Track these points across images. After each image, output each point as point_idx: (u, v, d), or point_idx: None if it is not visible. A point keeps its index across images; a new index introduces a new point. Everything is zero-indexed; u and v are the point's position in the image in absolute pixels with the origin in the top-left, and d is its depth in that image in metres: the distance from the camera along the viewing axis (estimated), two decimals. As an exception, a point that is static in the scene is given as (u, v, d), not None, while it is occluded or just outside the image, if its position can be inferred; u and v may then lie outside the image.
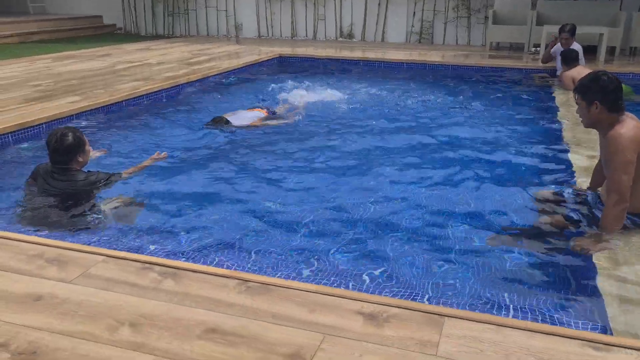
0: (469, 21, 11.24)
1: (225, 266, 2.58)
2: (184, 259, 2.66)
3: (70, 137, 3.30)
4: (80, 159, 3.40)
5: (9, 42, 11.24)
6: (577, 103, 2.82)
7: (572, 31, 7.39)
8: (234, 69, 8.17)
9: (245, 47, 10.63)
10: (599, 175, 3.07)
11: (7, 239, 2.70)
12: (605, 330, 2.08)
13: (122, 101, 5.89)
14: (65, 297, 2.20)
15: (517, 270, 2.59)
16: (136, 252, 2.66)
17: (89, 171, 3.48)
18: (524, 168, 4.10)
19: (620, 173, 2.61)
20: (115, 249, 2.72)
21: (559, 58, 7.42)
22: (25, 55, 9.23)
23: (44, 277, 2.36)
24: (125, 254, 2.58)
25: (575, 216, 2.94)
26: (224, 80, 7.66)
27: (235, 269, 2.53)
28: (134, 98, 6.07)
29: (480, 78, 7.93)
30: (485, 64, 8.62)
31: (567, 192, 3.25)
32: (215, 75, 7.64)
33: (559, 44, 7.47)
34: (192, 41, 11.74)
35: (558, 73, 7.33)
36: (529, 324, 2.02)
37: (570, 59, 6.93)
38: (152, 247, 2.79)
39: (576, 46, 7.30)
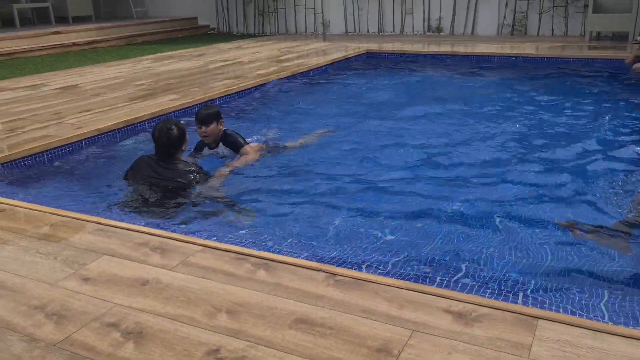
0: (567, 10, 10.65)
1: (314, 259, 2.65)
2: (276, 251, 2.76)
3: (175, 130, 3.55)
4: (184, 148, 3.68)
5: (116, 44, 12.10)
6: None
7: None
8: (323, 66, 8.29)
9: (332, 44, 10.74)
10: None
11: (116, 227, 2.94)
12: None
13: (216, 98, 6.17)
14: (168, 283, 2.37)
15: (618, 274, 2.46)
16: (231, 244, 2.80)
17: (191, 163, 3.72)
18: (623, 163, 3.86)
19: None
20: (212, 239, 2.88)
21: None
22: (129, 56, 9.90)
23: (148, 264, 2.54)
24: (221, 245, 2.72)
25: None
26: (311, 77, 7.79)
27: (324, 262, 2.59)
28: (227, 95, 6.34)
29: (578, 71, 7.49)
30: (586, 55, 8.14)
31: None
32: (303, 72, 7.80)
33: None
34: (281, 39, 12.03)
35: None
36: (631, 331, 1.92)
37: None
38: (246, 239, 2.92)
39: None
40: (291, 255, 2.66)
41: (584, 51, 8.63)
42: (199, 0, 14.44)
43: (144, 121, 5.26)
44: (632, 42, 9.13)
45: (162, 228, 3.02)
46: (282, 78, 7.31)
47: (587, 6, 9.85)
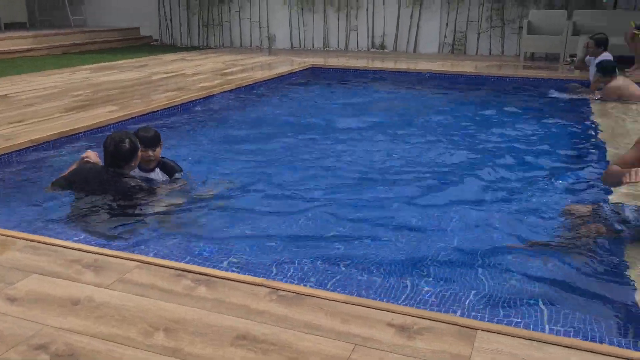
0: (503, 31, 11.13)
1: (256, 274, 2.60)
2: (217, 266, 2.69)
3: (127, 144, 3.41)
4: (133, 164, 3.53)
5: (52, 53, 11.64)
6: None
7: (597, 41, 7.25)
8: (267, 80, 8.27)
9: (277, 58, 10.76)
10: None
11: (47, 244, 2.79)
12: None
13: (158, 111, 6.02)
14: (102, 302, 2.26)
15: (553, 284, 2.54)
16: (170, 259, 2.71)
17: (137, 178, 3.58)
18: (559, 181, 4.01)
19: None
20: (150, 255, 2.78)
21: (592, 68, 7.30)
22: (67, 66, 9.54)
23: (81, 282, 2.42)
24: (160, 261, 2.63)
25: (617, 227, 2.86)
26: (254, 91, 7.75)
27: (265, 278, 2.55)
28: (169, 108, 6.21)
29: (514, 89, 7.81)
30: (520, 75, 8.51)
31: (604, 206, 3.17)
32: (248, 85, 7.75)
33: (590, 57, 7.36)
34: (225, 52, 11.94)
35: (593, 81, 7.17)
36: (567, 340, 1.97)
37: (607, 69, 6.77)
38: (185, 255, 2.83)
39: (607, 55, 7.16)
40: (232, 271, 2.61)
41: (519, 70, 9.03)
42: (141, 10, 14.13)
43: (81, 133, 5.06)
44: (563, 62, 9.63)
45: (97, 244, 2.89)
46: (226, 91, 7.24)
47: (522, 28, 10.33)
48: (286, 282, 2.52)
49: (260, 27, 13.10)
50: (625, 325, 2.20)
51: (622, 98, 6.53)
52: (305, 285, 2.49)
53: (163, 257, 2.74)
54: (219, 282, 2.43)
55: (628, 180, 2.58)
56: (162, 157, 3.82)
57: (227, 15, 13.30)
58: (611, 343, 2.05)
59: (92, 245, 2.85)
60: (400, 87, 8.33)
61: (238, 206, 3.56)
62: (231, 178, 4.10)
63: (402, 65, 9.55)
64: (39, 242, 2.81)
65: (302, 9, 12.58)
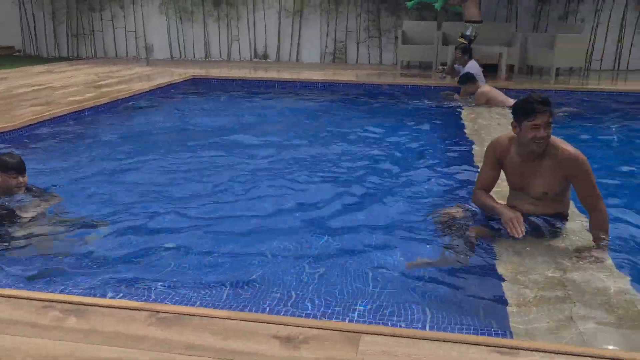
0: (380, 41, 11.63)
1: (133, 298, 2.45)
2: (88, 294, 2.50)
3: None
4: None
5: None
6: (547, 123, 2.81)
7: (463, 50, 7.87)
8: (146, 92, 7.93)
9: (156, 69, 10.37)
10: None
11: None
12: (509, 335, 2.17)
13: (22, 128, 5.53)
14: (-49, 345, 2.00)
15: (430, 284, 2.65)
16: (34, 290, 2.47)
17: None
18: (431, 184, 4.21)
19: (595, 183, 2.85)
20: (11, 287, 2.51)
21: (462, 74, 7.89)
22: None
23: None
24: (21, 292, 2.38)
25: (495, 225, 3.03)
26: (132, 103, 7.39)
27: (144, 301, 2.40)
28: (35, 124, 5.72)
29: (392, 96, 8.16)
30: (398, 82, 8.93)
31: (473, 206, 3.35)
32: (125, 98, 7.37)
33: (459, 65, 7.93)
34: (99, 63, 11.31)
35: (463, 88, 7.75)
36: (440, 334, 2.07)
37: (468, 79, 7.37)
38: (52, 284, 2.59)
39: (472, 64, 7.76)
40: (106, 297, 2.43)
41: (397, 78, 9.48)
42: (1, 18, 12.96)
43: None
44: (436, 70, 10.26)
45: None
46: (100, 105, 6.82)
47: (397, 38, 10.86)
48: (166, 303, 2.39)
49: (136, 37, 12.57)
50: (494, 316, 2.34)
51: (489, 103, 7.12)
52: (186, 305, 2.38)
53: (26, 289, 2.49)
54: (92, 310, 2.25)
55: (510, 234, 2.81)
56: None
57: (99, 24, 12.60)
58: (478, 333, 2.18)
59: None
60: (283, 96, 8.39)
61: (110, 228, 3.33)
62: (105, 198, 3.85)
63: (285, 75, 9.62)
64: None
65: (180, 18, 12.26)
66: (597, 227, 2.88)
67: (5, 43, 13.13)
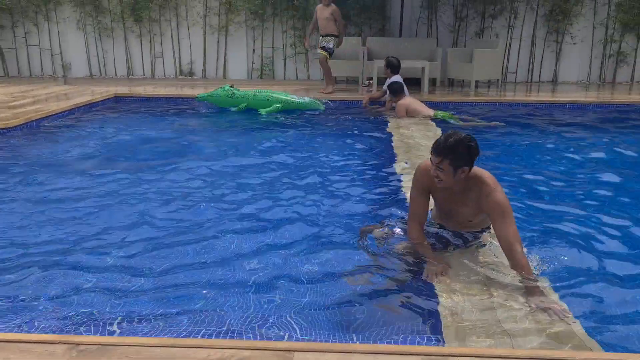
0: (307, 57, 11.74)
1: (50, 331, 2.29)
2: (2, 329, 2.31)
3: None
4: None
5: None
6: (437, 165, 2.78)
7: (387, 64, 8.12)
8: (64, 111, 7.56)
9: (75, 88, 9.93)
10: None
11: None
12: (442, 342, 2.20)
13: None
14: None
15: (360, 297, 2.65)
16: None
17: None
18: (356, 200, 4.22)
19: (514, 223, 2.76)
20: None
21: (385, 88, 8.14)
22: None
23: None
24: None
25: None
26: (46, 124, 7.00)
27: (63, 333, 2.25)
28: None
29: (319, 111, 8.21)
30: (323, 97, 9.00)
31: (396, 222, 3.35)
32: (41, 119, 6.99)
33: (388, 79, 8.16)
34: (12, 82, 10.70)
35: (387, 101, 7.95)
36: (373, 346, 2.06)
37: (395, 90, 7.62)
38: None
39: (398, 78, 8.01)
40: (19, 331, 2.26)
41: (324, 94, 9.55)
42: None
43: None
44: (362, 85, 10.47)
45: None
46: (13, 127, 6.43)
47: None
48: (87, 334, 2.25)
49: (52, 55, 12.02)
50: (425, 326, 2.37)
51: (410, 114, 7.35)
52: (110, 335, 2.25)
53: None
54: (7, 347, 2.08)
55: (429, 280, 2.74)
56: None
57: (12, 41, 11.95)
58: (411, 343, 2.20)
59: None
60: (212, 113, 8.25)
61: (18, 256, 3.10)
62: (13, 224, 3.60)
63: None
64: None
65: (100, 34, 11.85)
66: (516, 269, 2.72)
67: None
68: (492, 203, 2.78)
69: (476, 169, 2.88)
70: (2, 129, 6.26)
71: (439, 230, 3.15)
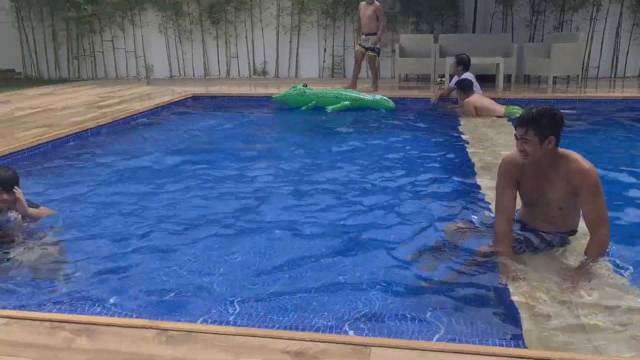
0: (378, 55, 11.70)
1: (143, 316, 2.45)
2: (98, 313, 2.50)
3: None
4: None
5: None
6: (522, 137, 2.74)
7: (458, 61, 7.96)
8: (147, 111, 7.98)
9: (156, 88, 10.44)
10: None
11: None
12: (521, 345, 2.17)
13: (24, 150, 5.56)
14: (-38, 369, 2.00)
15: (440, 296, 2.65)
16: (43, 311, 2.47)
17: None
18: (434, 199, 4.18)
19: (604, 204, 2.72)
20: (20, 309, 2.52)
21: (452, 85, 8.00)
22: None
23: (-64, 348, 2.13)
24: (31, 314, 2.39)
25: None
26: (134, 123, 7.44)
27: (154, 319, 2.40)
28: (37, 146, 5.75)
29: (389, 109, 8.18)
30: (397, 95, 8.96)
31: (478, 221, 3.31)
32: (126, 117, 7.42)
33: (456, 76, 8.02)
34: (100, 84, 11.39)
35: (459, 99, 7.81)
36: (451, 345, 2.06)
37: (465, 87, 7.47)
38: (61, 304, 2.59)
39: (468, 75, 7.84)
40: (116, 316, 2.43)
41: (396, 91, 9.52)
42: (1, 42, 13.07)
43: None
44: (434, 82, 10.33)
45: (-46, 302, 2.57)
46: (101, 125, 6.86)
47: (395, 51, 10.95)
48: (175, 320, 2.39)
49: (136, 57, 12.68)
50: (506, 327, 2.34)
51: (478, 112, 7.20)
52: (195, 322, 2.38)
53: (35, 310, 2.50)
54: (102, 330, 2.25)
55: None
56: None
57: (100, 45, 12.72)
58: (490, 344, 2.18)
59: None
60: (283, 111, 8.43)
61: (115, 247, 3.33)
62: (107, 217, 3.86)
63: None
64: None
65: (179, 37, 12.38)
66: (592, 251, 2.72)
67: (6, 66, 13.25)
68: (583, 180, 2.69)
69: (565, 150, 2.81)
70: (93, 127, 6.69)
71: (522, 232, 3.06)
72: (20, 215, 3.43)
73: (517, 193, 2.98)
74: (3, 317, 2.35)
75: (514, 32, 11.08)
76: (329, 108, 7.99)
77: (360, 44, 9.30)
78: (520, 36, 11.04)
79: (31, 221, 3.54)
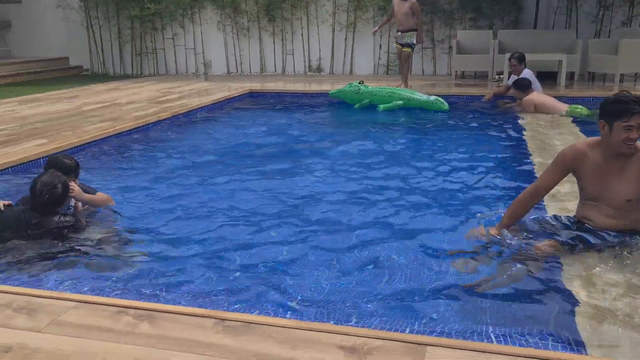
0: (434, 51, 11.54)
1: (202, 306, 2.52)
2: (159, 300, 2.59)
3: (59, 188, 3.27)
4: (65, 202, 3.40)
5: (-27, 86, 11.08)
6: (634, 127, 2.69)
7: (518, 58, 7.74)
8: (205, 106, 8.19)
9: (214, 84, 10.68)
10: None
11: (-28, 289, 2.61)
12: (583, 351, 2.10)
13: (91, 142, 5.82)
14: (36, 347, 2.12)
15: (496, 297, 2.60)
16: (109, 296, 2.59)
17: (68, 214, 3.43)
18: (495, 197, 4.12)
19: None
20: (87, 293, 2.65)
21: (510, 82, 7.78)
22: (-10, 99, 9.09)
23: (12, 327, 2.27)
24: (98, 298, 2.51)
25: (563, 239, 2.93)
26: (192, 118, 7.65)
27: (212, 309, 2.47)
28: (103, 139, 6.01)
29: (443, 111, 8.05)
30: (452, 92, 8.82)
31: (543, 218, 3.24)
32: (185, 112, 7.64)
33: (514, 75, 7.80)
34: (161, 80, 11.76)
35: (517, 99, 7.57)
36: (511, 348, 2.02)
37: (523, 86, 7.26)
38: (125, 290, 2.71)
39: (527, 72, 7.61)
40: (176, 304, 2.52)
41: (452, 88, 9.37)
42: (70, 40, 13.72)
43: (5, 169, 4.79)
44: (492, 80, 10.08)
45: (29, 285, 2.73)
46: (162, 119, 7.09)
47: (452, 48, 10.76)
48: (233, 311, 2.45)
49: (195, 54, 13.01)
50: (566, 332, 2.27)
51: (538, 110, 6.97)
52: (252, 314, 2.43)
53: (101, 295, 2.62)
54: (163, 317, 2.34)
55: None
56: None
57: (161, 42, 13.12)
58: (547, 347, 2.12)
59: (24, 286, 2.68)
60: (338, 108, 8.44)
61: (177, 237, 3.45)
62: (168, 209, 3.99)
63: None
64: (-37, 287, 2.62)
65: (237, 34, 12.61)
66: None
67: (75, 63, 13.90)
68: None
69: None
70: (154, 122, 6.93)
71: (581, 232, 2.96)
72: (79, 203, 3.62)
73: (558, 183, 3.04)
74: (72, 300, 2.48)
75: (579, 27, 10.65)
76: (381, 107, 7.94)
77: (397, 42, 9.16)
78: (585, 32, 10.61)
79: (90, 208, 3.71)
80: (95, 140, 5.90)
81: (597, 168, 2.85)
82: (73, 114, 7.35)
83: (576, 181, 3.04)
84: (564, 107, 6.97)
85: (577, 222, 3.03)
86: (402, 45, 9.08)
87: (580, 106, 6.96)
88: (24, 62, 12.87)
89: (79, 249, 3.22)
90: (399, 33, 9.05)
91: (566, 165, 2.95)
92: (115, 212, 3.80)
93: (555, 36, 10.21)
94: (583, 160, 2.88)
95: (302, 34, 12.22)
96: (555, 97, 7.36)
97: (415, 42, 9.03)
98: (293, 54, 12.42)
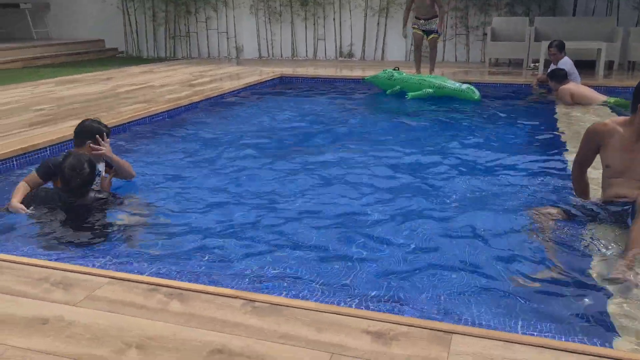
0: (468, 38, 11.35)
1: (230, 286, 2.57)
2: (190, 280, 2.65)
3: (87, 168, 3.35)
4: (94, 181, 3.49)
5: (13, 67, 11.38)
6: None
7: (559, 47, 7.53)
8: (236, 90, 8.24)
9: (246, 68, 10.73)
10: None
11: (12, 262, 2.71)
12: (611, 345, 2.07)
13: (125, 123, 5.93)
14: (72, 320, 2.20)
15: (525, 286, 2.58)
16: (142, 274, 2.66)
17: (102, 191, 3.53)
18: (526, 184, 4.08)
19: None
20: (121, 270, 2.72)
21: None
22: (28, 80, 9.33)
23: (49, 301, 2.35)
24: (131, 276, 2.58)
25: (586, 224, 2.93)
26: (224, 101, 7.72)
27: (241, 289, 2.52)
28: (137, 120, 6.12)
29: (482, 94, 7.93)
30: (486, 80, 8.68)
31: (571, 205, 3.23)
32: (217, 96, 7.71)
33: (552, 65, 7.61)
34: (193, 63, 11.86)
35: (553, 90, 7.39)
36: (538, 339, 2.00)
37: (559, 76, 7.09)
38: (158, 268, 2.78)
39: (566, 60, 7.41)
40: (206, 284, 2.57)
41: (485, 76, 9.21)
42: (106, 22, 13.95)
43: (44, 148, 4.93)
44: (527, 68, 9.86)
45: (65, 261, 2.82)
46: (194, 102, 7.17)
47: (486, 34, 10.55)
48: (261, 292, 2.49)
49: (227, 38, 13.07)
50: (594, 322, 2.24)
51: (575, 100, 6.80)
52: (280, 296, 2.47)
53: (134, 272, 2.69)
54: (193, 296, 2.39)
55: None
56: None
57: (194, 26, 13.22)
58: (576, 340, 2.09)
59: (60, 262, 2.77)
60: (368, 94, 8.39)
61: (209, 218, 3.52)
62: (200, 190, 4.06)
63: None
64: (2, 260, 2.72)
65: (269, 19, 12.61)
66: None
67: (110, 45, 14.13)
68: None
69: None
70: (187, 105, 7.02)
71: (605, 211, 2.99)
72: (106, 178, 3.69)
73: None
74: (106, 277, 2.55)
75: (620, 14, 10.32)
76: (410, 94, 7.83)
77: (418, 28, 8.85)
78: (626, 20, 10.27)
79: (115, 181, 3.79)
80: (129, 122, 6.00)
81: (625, 143, 2.95)
82: (108, 96, 7.50)
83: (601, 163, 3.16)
84: (602, 97, 6.79)
85: (602, 205, 3.06)
86: (425, 32, 8.79)
87: (619, 98, 6.77)
88: (61, 44, 13.15)
89: (112, 225, 3.31)
90: (422, 20, 8.78)
91: (594, 138, 3.10)
92: (146, 192, 3.88)
93: (594, 23, 9.92)
94: (611, 134, 3.00)
95: (334, 19, 12.15)
96: (593, 87, 7.17)
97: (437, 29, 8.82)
98: (325, 39, 12.37)
